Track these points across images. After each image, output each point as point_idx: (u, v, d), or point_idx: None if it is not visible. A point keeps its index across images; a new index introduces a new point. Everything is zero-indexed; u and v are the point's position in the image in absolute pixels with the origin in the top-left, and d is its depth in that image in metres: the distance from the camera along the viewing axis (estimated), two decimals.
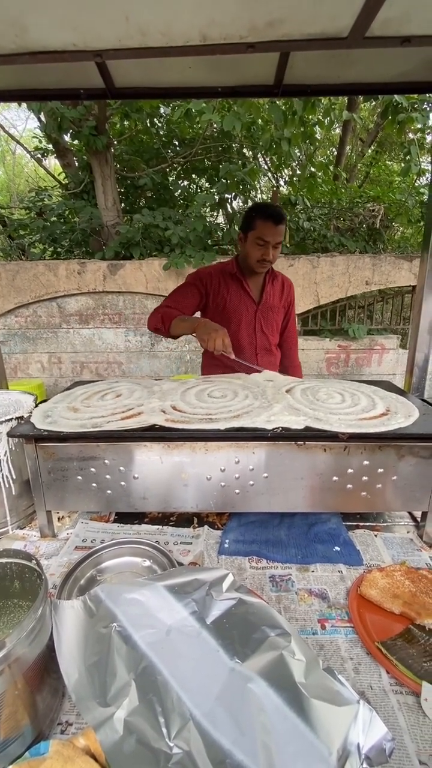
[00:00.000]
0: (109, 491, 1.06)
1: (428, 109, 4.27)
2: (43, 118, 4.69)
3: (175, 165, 5.79)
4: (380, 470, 1.03)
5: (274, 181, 7.02)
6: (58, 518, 1.22)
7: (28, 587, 0.76)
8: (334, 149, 7.72)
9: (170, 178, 6.02)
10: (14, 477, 1.15)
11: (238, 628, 0.70)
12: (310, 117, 4.35)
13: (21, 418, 1.13)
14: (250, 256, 1.67)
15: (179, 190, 6.05)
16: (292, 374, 1.95)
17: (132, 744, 0.54)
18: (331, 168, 6.64)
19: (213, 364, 1.80)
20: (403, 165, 4.95)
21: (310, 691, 0.59)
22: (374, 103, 6.39)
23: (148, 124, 5.35)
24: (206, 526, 1.15)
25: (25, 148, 6.22)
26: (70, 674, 0.64)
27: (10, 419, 1.11)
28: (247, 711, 0.58)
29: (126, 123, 5.51)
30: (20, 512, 1.18)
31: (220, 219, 6.35)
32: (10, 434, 1.07)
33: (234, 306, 1.76)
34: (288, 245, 5.41)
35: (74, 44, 0.96)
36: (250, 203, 6.16)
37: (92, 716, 0.58)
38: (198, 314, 1.78)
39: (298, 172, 6.35)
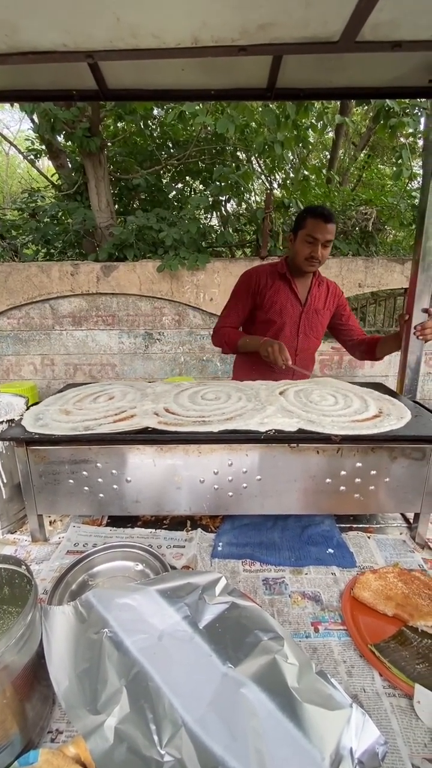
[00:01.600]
0: (101, 494, 1.05)
1: (419, 114, 4.32)
2: (36, 119, 4.66)
3: (168, 167, 5.79)
4: (373, 472, 1.03)
5: (267, 184, 7.06)
6: (50, 522, 1.20)
7: (18, 593, 0.74)
8: (327, 153, 7.78)
9: (164, 180, 6.02)
10: (5, 480, 1.14)
11: (230, 633, 0.69)
12: (303, 121, 4.38)
13: (12, 420, 1.12)
14: (299, 254, 1.71)
15: (173, 192, 6.05)
16: (373, 342, 1.86)
17: (123, 752, 0.54)
18: (324, 171, 6.69)
19: (245, 369, 1.86)
20: (395, 169, 5.00)
21: (303, 696, 0.59)
22: (366, 107, 6.47)
23: (142, 126, 5.35)
24: (199, 529, 1.14)
25: (18, 149, 6.18)
26: (60, 681, 0.63)
27: (1, 422, 1.10)
28: (239, 716, 0.57)
29: (120, 125, 5.50)
30: (11, 516, 1.17)
31: (214, 221, 6.36)
32: (0, 437, 1.06)
33: (281, 306, 1.80)
34: (280, 248, 5.44)
35: (65, 45, 0.96)
36: (243, 206, 6.19)
37: (82, 724, 0.57)
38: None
39: (292, 175, 6.39)
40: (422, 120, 4.32)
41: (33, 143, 5.70)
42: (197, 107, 4.05)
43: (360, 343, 1.90)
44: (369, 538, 1.11)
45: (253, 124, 5.11)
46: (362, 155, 7.64)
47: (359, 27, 0.91)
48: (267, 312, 1.81)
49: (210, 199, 5.33)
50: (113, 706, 0.58)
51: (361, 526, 1.17)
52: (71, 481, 1.04)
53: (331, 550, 1.05)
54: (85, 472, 1.03)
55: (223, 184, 4.97)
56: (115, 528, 1.16)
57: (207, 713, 0.58)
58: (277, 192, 6.57)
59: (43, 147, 5.51)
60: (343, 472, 1.03)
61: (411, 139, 4.97)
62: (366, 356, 1.90)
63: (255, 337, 1.69)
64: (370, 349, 1.85)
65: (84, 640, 0.68)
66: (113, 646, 0.66)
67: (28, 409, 1.17)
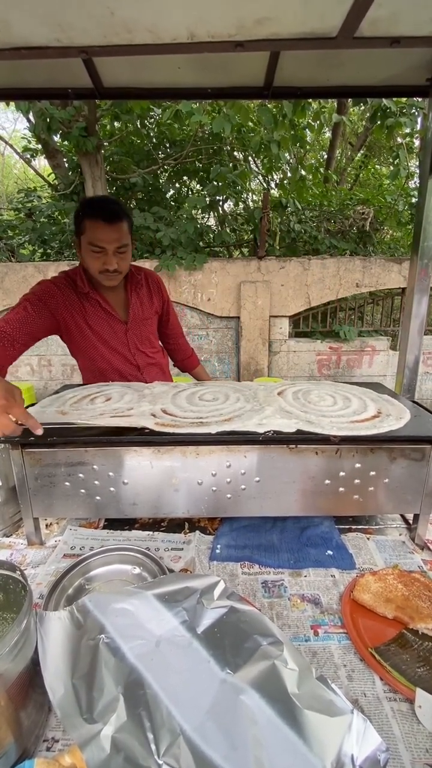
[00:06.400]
0: (98, 497, 1.04)
1: (416, 113, 4.33)
2: (32, 119, 4.65)
3: (165, 167, 5.78)
4: (372, 473, 1.02)
5: (264, 184, 7.06)
6: (46, 525, 1.19)
7: (12, 599, 0.73)
8: (324, 152, 7.79)
9: (161, 180, 6.01)
10: (0, 483, 1.12)
11: (229, 638, 0.68)
12: (300, 120, 4.38)
13: None
14: (89, 267, 1.37)
15: (170, 192, 6.05)
16: (190, 366, 1.86)
17: (119, 763, 0.52)
18: (322, 171, 6.70)
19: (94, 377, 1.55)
20: (392, 168, 5.01)
21: (303, 702, 0.58)
22: (363, 107, 6.48)
23: (138, 126, 5.34)
24: (197, 532, 1.13)
25: (14, 149, 6.15)
26: (55, 689, 0.62)
27: None
28: (238, 724, 0.56)
29: (116, 124, 5.49)
30: (6, 520, 1.16)
31: (211, 221, 6.36)
32: None
33: (97, 331, 1.47)
34: (278, 248, 5.44)
35: (58, 40, 0.94)
36: (241, 205, 6.18)
37: (78, 734, 0.56)
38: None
39: (289, 174, 6.39)
40: (419, 120, 4.32)
41: (29, 143, 5.68)
42: (193, 106, 4.05)
43: (180, 355, 1.84)
44: (368, 539, 1.11)
45: (250, 123, 5.11)
46: (359, 155, 7.65)
47: (358, 22, 0.90)
48: (84, 341, 1.47)
49: (207, 198, 5.33)
50: (110, 715, 0.57)
51: (360, 527, 1.16)
52: (67, 483, 1.02)
53: (330, 552, 1.04)
54: (81, 475, 1.02)
55: (220, 183, 4.97)
56: (112, 531, 1.15)
57: (206, 721, 0.57)
58: (274, 192, 6.57)
59: (40, 146, 5.49)
60: (342, 473, 1.02)
61: (408, 138, 4.98)
62: (178, 366, 1.86)
63: None
64: (183, 368, 1.86)
65: (80, 647, 0.67)
66: (110, 652, 0.65)
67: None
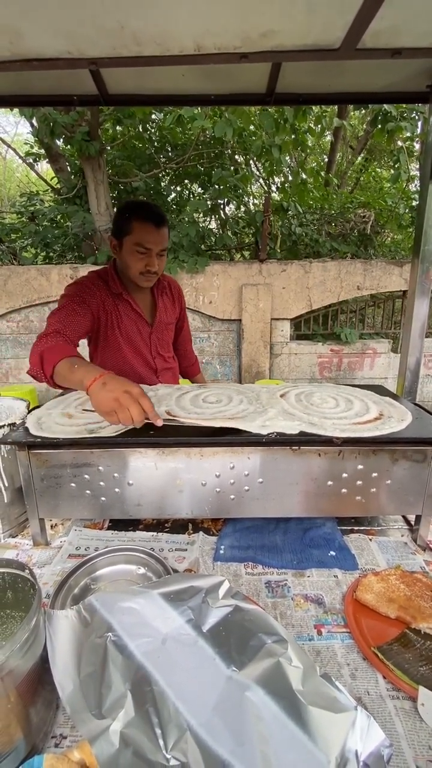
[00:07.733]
0: (103, 498, 1.05)
1: (417, 118, 4.36)
2: (35, 123, 4.69)
3: (167, 170, 5.82)
4: (374, 474, 1.03)
5: (266, 187, 7.09)
6: (51, 526, 1.20)
7: (21, 597, 0.74)
8: (325, 156, 7.83)
9: (163, 184, 6.05)
10: (6, 484, 1.13)
11: (234, 636, 0.69)
12: (302, 125, 4.41)
13: (13, 424, 1.12)
14: (130, 267, 1.40)
15: (172, 195, 6.08)
16: (192, 373, 1.93)
17: (128, 757, 0.53)
18: (322, 174, 6.73)
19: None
20: (393, 172, 5.04)
21: (308, 699, 0.59)
22: (364, 111, 6.52)
23: (140, 130, 5.38)
24: (201, 532, 1.14)
25: (17, 153, 6.20)
26: (64, 686, 0.63)
27: (2, 426, 1.10)
28: (244, 720, 0.57)
29: (118, 128, 5.54)
30: (12, 520, 1.17)
31: (213, 224, 6.39)
32: (1, 441, 1.05)
33: (126, 331, 1.50)
34: (279, 251, 5.46)
35: (69, 52, 0.96)
36: (242, 209, 6.21)
37: (87, 729, 0.57)
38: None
39: (290, 178, 6.43)
40: (419, 124, 4.35)
41: (32, 147, 5.72)
42: (195, 111, 4.08)
43: (186, 361, 1.88)
44: (371, 540, 1.12)
45: (252, 127, 5.15)
46: (360, 158, 7.69)
47: (360, 34, 0.92)
48: (113, 341, 1.50)
49: (209, 202, 5.36)
50: (118, 711, 0.58)
51: (362, 528, 1.17)
52: (73, 484, 1.04)
53: (332, 553, 1.05)
54: (86, 476, 1.03)
55: (221, 187, 5.00)
56: (116, 531, 1.16)
57: (212, 717, 0.58)
58: (275, 195, 6.60)
59: (42, 151, 5.53)
60: (344, 475, 1.03)
61: (408, 142, 5.01)
62: (180, 372, 1.88)
63: (88, 368, 1.04)
64: (186, 374, 1.89)
65: (88, 645, 0.68)
66: (117, 650, 0.66)
67: (29, 412, 1.17)
